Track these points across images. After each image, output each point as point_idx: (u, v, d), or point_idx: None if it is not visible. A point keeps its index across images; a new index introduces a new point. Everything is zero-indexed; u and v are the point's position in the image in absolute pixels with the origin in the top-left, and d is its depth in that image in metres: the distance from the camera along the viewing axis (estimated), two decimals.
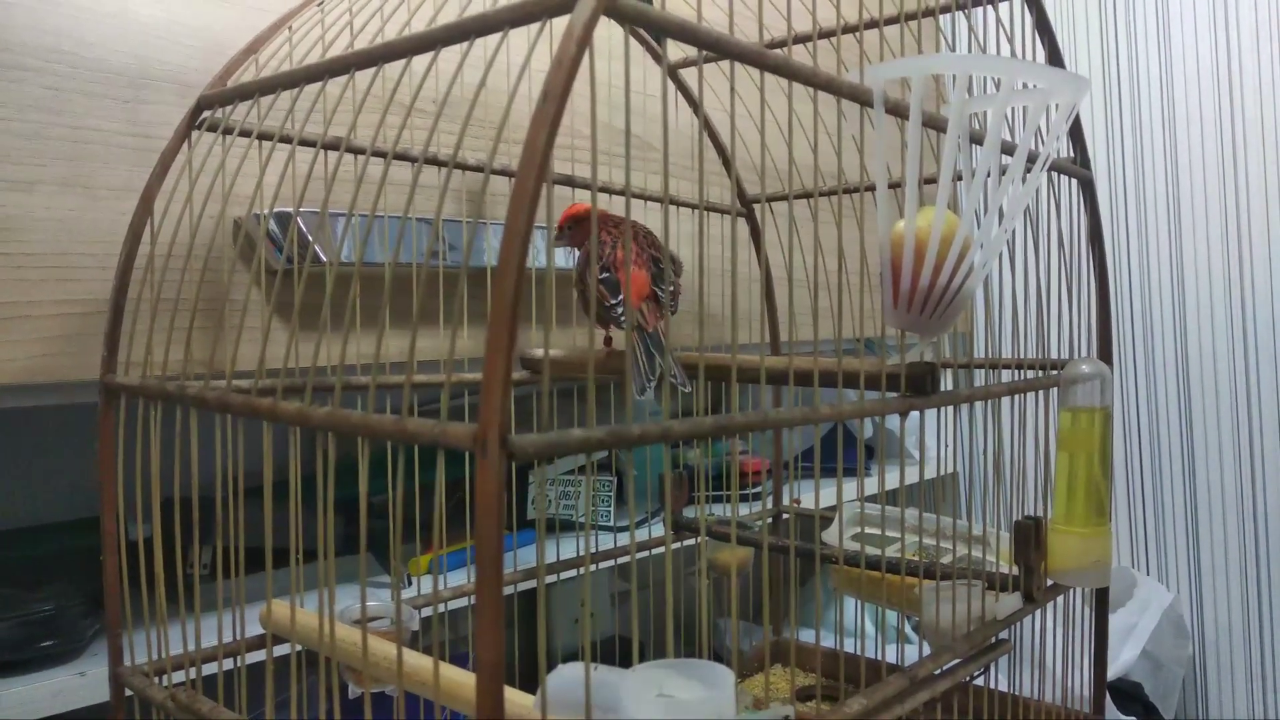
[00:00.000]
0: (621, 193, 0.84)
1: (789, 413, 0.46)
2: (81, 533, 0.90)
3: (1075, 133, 0.77)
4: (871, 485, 1.42)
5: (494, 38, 0.40)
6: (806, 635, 1.28)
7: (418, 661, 0.50)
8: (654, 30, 0.39)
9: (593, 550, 0.88)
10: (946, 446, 0.59)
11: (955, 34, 1.44)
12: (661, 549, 0.90)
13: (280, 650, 0.62)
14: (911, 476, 1.46)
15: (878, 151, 0.51)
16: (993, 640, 0.66)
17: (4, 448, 0.94)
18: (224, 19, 0.72)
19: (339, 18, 0.60)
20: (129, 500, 0.55)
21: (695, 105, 0.91)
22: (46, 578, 0.78)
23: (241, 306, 0.67)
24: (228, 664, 0.57)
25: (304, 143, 0.51)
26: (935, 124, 0.55)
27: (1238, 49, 1.37)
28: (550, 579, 0.90)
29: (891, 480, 1.43)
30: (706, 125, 0.89)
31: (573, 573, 0.86)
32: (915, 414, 1.73)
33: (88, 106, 0.66)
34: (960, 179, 0.53)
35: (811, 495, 1.29)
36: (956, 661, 0.62)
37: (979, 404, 0.63)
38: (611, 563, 1.02)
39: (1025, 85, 0.50)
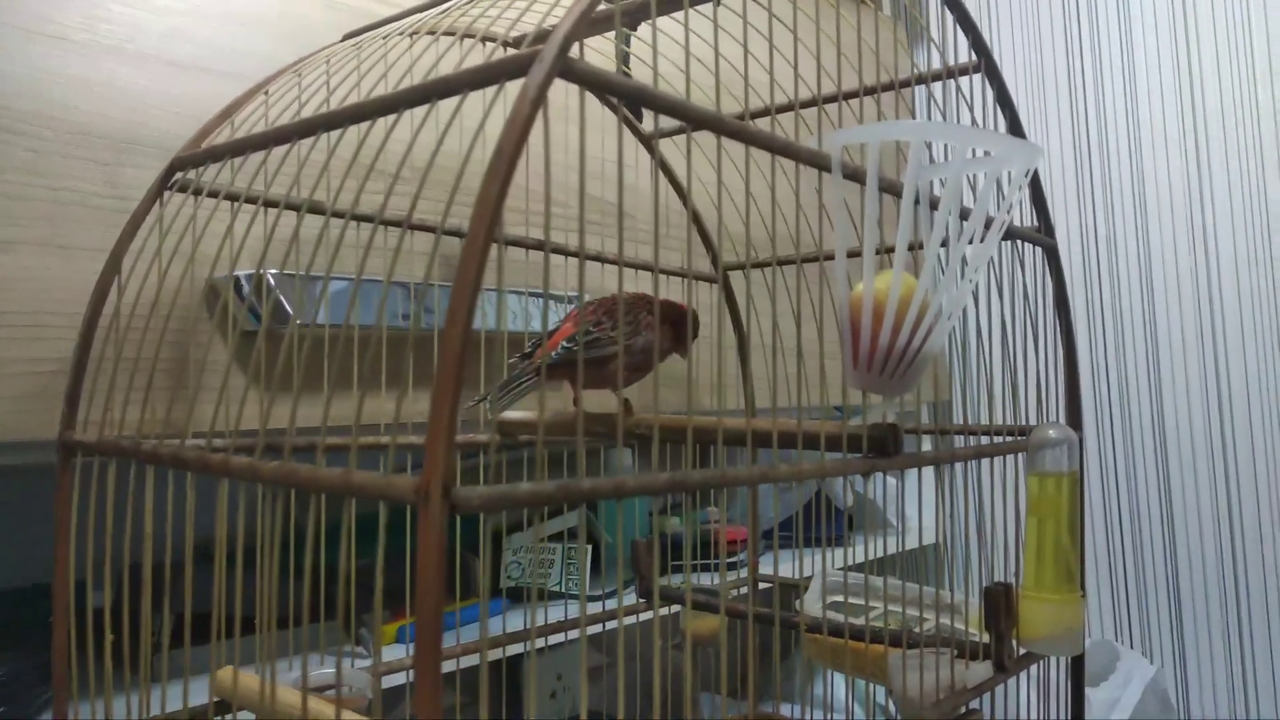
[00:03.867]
0: (594, 258, 0.85)
1: (745, 471, 0.46)
2: (38, 599, 0.88)
3: (1039, 202, 0.78)
4: (856, 554, 1.40)
5: (476, 96, 0.41)
6: (792, 710, 1.26)
7: None
8: (610, 94, 0.40)
9: (569, 620, 0.87)
10: (925, 515, 0.59)
11: (917, 107, 1.48)
12: (631, 619, 0.89)
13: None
14: (897, 545, 1.45)
15: (837, 216, 0.52)
16: (963, 710, 0.65)
17: None
18: (205, 88, 0.74)
19: (315, 81, 0.61)
20: (83, 562, 0.54)
21: (670, 175, 0.93)
22: (10, 638, 0.76)
23: (206, 366, 0.67)
24: None
25: (269, 204, 0.52)
26: (895, 190, 0.56)
27: (1204, 116, 1.41)
28: (514, 650, 0.88)
29: (874, 550, 1.42)
30: (679, 192, 0.90)
31: (544, 642, 0.84)
32: (895, 482, 1.72)
33: (68, 169, 0.67)
34: (919, 247, 0.54)
35: (791, 565, 1.28)
36: None
37: (959, 470, 0.63)
38: (572, 634, 1.00)
39: (978, 153, 0.52)
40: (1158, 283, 1.45)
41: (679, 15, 0.55)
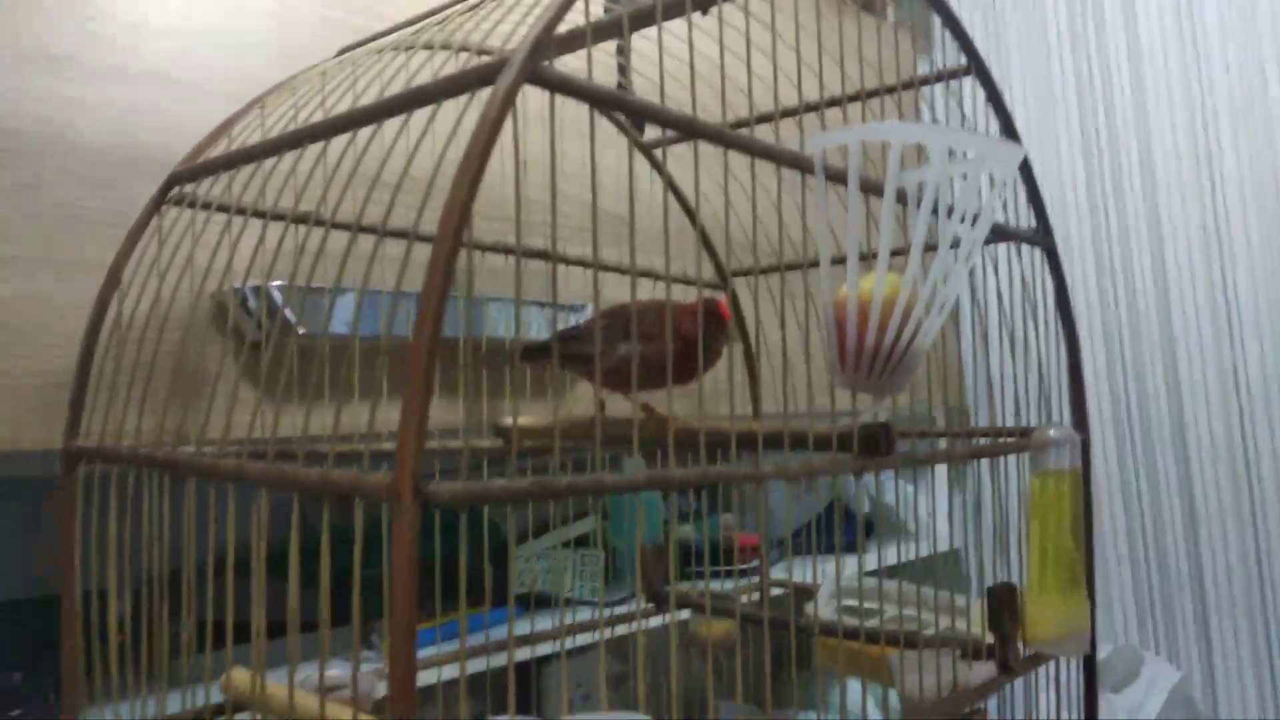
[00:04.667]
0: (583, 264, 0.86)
1: (731, 469, 0.46)
2: (59, 610, 0.90)
3: (1037, 204, 0.78)
4: (872, 560, 1.40)
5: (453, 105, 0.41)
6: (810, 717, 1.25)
7: None
8: (579, 98, 0.40)
9: (574, 625, 0.87)
10: (940, 521, 0.59)
11: (923, 110, 1.47)
12: (649, 624, 0.89)
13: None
14: (914, 550, 1.44)
15: (819, 218, 0.52)
16: (966, 710, 0.64)
17: None
18: (202, 107, 0.76)
19: (310, 95, 0.62)
20: (91, 570, 0.55)
21: (673, 185, 0.93)
22: (20, 651, 0.78)
23: (204, 375, 0.68)
24: None
25: (258, 214, 0.53)
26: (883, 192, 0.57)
27: (1214, 115, 1.40)
28: (528, 655, 0.89)
29: (891, 556, 1.42)
30: (680, 199, 0.91)
31: (553, 649, 0.85)
32: (911, 488, 1.70)
33: (70, 186, 0.69)
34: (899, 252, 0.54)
35: (808, 571, 1.27)
36: None
37: (971, 473, 0.63)
38: (590, 638, 1.01)
39: (959, 154, 0.52)
40: (1172, 283, 1.44)
41: (670, 24, 0.55)
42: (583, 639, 0.91)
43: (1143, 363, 1.46)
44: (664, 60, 0.48)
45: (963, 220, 0.54)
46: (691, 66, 0.47)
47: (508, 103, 0.37)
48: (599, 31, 0.69)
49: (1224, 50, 1.39)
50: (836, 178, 0.53)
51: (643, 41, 0.55)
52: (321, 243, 0.45)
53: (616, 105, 0.42)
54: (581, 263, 0.89)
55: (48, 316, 0.67)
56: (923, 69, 1.68)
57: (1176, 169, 1.43)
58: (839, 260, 0.54)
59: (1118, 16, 1.50)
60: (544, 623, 0.97)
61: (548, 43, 0.39)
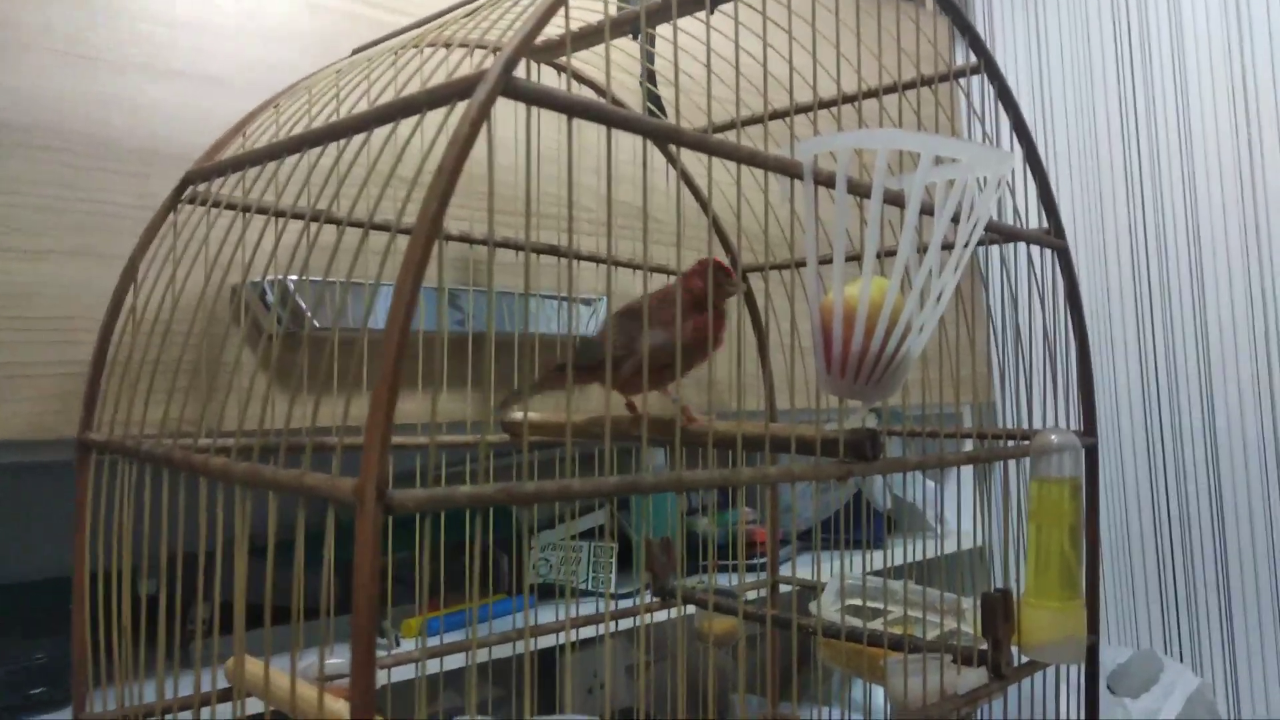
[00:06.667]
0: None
1: (706, 474, 0.47)
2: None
3: (1049, 204, 0.77)
4: (892, 557, 1.39)
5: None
6: (814, 712, 1.26)
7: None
8: (555, 110, 0.41)
9: (582, 617, 0.89)
10: (963, 519, 0.59)
11: (959, 109, 1.46)
12: (648, 618, 0.90)
13: (254, 708, 0.64)
14: (944, 547, 1.43)
15: (808, 223, 0.52)
16: (955, 716, 0.64)
17: (8, 504, 0.98)
18: (229, 103, 0.78)
19: (322, 95, 0.64)
20: (100, 553, 0.57)
21: (690, 182, 0.94)
22: (42, 630, 0.81)
23: (220, 368, 0.71)
24: (188, 716, 0.59)
25: (261, 210, 0.55)
26: (895, 200, 0.56)
27: (1257, 114, 1.36)
28: (546, 644, 0.90)
29: (911, 553, 1.41)
30: (694, 193, 0.91)
31: (573, 638, 0.86)
32: (934, 485, 1.69)
33: (99, 182, 0.72)
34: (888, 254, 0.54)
35: (828, 566, 1.27)
36: None
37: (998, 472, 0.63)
38: (610, 628, 1.02)
39: (944, 160, 0.52)
40: (1209, 288, 1.41)
41: (685, 23, 0.55)
42: (590, 631, 0.92)
43: (1175, 366, 1.44)
44: (688, 57, 0.48)
45: (956, 223, 0.54)
46: (708, 64, 0.47)
47: (480, 118, 0.38)
48: (612, 28, 0.70)
49: (1271, 51, 1.35)
50: (827, 183, 0.54)
51: (668, 38, 0.55)
52: (336, 239, 0.47)
53: (594, 116, 0.42)
54: (594, 258, 0.90)
55: (76, 309, 0.70)
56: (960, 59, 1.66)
57: (1218, 167, 1.40)
58: (826, 261, 0.55)
59: (1162, 13, 1.46)
60: (552, 611, 0.99)
61: (524, 57, 0.39)
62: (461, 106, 0.39)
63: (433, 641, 0.85)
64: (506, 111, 0.42)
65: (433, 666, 0.80)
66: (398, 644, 0.94)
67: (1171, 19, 1.45)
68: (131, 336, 0.58)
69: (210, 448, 0.46)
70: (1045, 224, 0.77)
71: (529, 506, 1.10)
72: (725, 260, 0.95)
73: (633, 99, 0.94)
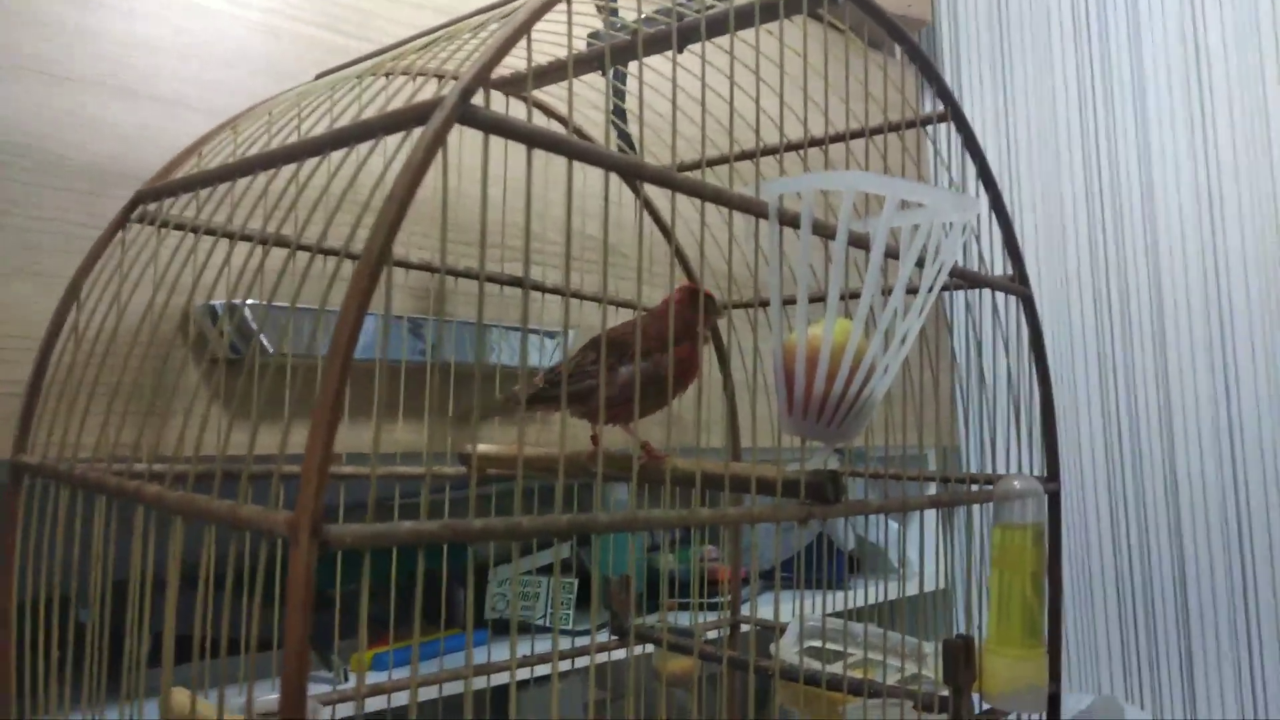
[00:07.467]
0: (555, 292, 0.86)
1: (663, 514, 0.46)
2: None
3: (1014, 251, 0.77)
4: (856, 598, 1.38)
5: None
6: None
7: None
8: (511, 139, 0.40)
9: (535, 656, 0.86)
10: (926, 561, 0.58)
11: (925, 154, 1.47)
12: (604, 657, 0.88)
13: None
14: (907, 589, 1.42)
15: (773, 263, 0.52)
16: None
17: None
18: (186, 125, 0.77)
19: (281, 118, 0.63)
20: (27, 580, 0.55)
21: (654, 213, 0.94)
22: None
23: (162, 392, 0.69)
24: None
25: (210, 232, 0.53)
26: (859, 242, 0.56)
27: (1215, 152, 1.39)
28: (500, 681, 0.88)
29: (874, 594, 1.40)
30: (659, 224, 0.91)
31: (525, 676, 0.84)
32: (895, 525, 1.68)
33: (46, 199, 0.70)
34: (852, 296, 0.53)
35: (790, 607, 1.26)
36: None
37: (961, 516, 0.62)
38: (564, 666, 1.00)
39: (909, 204, 0.52)
40: (1170, 333, 1.42)
41: (658, 63, 0.55)
42: (547, 669, 0.90)
43: (1136, 412, 1.45)
44: (658, 95, 0.48)
45: (921, 267, 0.54)
46: (674, 101, 0.47)
47: (435, 145, 0.37)
48: (580, 64, 0.70)
49: (1230, 100, 1.38)
50: (791, 223, 0.53)
51: (646, 72, 0.55)
52: (284, 263, 0.46)
53: (554, 147, 0.42)
54: (557, 291, 0.89)
55: (16, 328, 0.68)
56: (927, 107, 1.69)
57: (1178, 213, 1.42)
58: (791, 302, 0.54)
59: (1124, 54, 1.49)
60: (519, 648, 0.96)
61: (481, 85, 0.39)
62: (418, 133, 0.38)
63: (381, 677, 0.82)
64: (475, 142, 0.41)
65: (379, 704, 0.78)
66: (346, 678, 0.91)
67: (1133, 70, 1.48)
68: (72, 356, 0.56)
69: (145, 473, 0.44)
70: (1010, 270, 0.77)
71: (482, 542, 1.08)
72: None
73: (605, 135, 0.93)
